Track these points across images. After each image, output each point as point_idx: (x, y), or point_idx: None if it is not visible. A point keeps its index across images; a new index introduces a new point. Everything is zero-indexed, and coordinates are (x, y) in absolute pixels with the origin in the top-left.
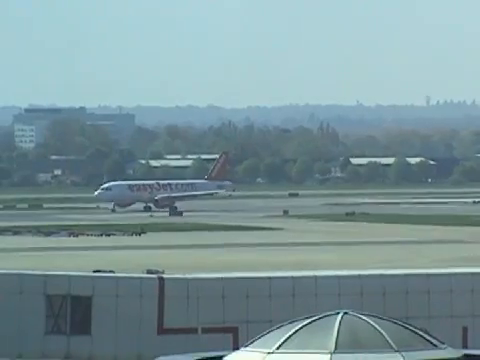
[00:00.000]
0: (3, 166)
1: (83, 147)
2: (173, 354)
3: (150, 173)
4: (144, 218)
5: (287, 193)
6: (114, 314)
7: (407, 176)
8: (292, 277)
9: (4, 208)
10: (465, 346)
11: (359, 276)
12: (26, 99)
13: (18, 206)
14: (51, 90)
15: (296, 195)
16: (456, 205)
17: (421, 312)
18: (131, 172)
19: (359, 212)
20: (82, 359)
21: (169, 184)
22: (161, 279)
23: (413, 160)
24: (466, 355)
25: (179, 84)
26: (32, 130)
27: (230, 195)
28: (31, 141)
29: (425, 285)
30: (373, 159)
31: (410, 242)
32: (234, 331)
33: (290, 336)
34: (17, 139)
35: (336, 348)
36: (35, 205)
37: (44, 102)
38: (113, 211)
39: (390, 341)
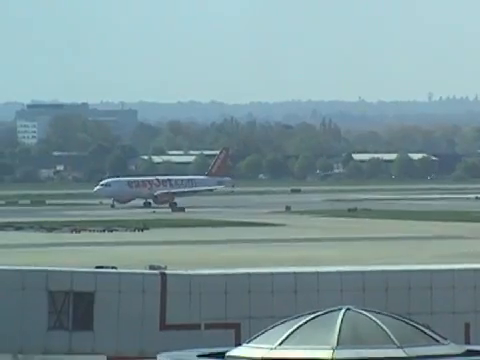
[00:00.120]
0: (5, 162)
1: (85, 143)
2: (175, 350)
3: (152, 169)
4: (147, 214)
5: (289, 189)
6: (116, 310)
7: (409, 172)
8: (294, 273)
9: (6, 204)
10: (467, 342)
11: (361, 272)
12: (28, 95)
13: (20, 202)
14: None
15: (298, 191)
16: (458, 201)
17: (423, 308)
18: (133, 168)
19: (361, 208)
20: (84, 355)
21: (169, 180)
22: (163, 275)
23: (415, 156)
24: (468, 351)
25: (181, 80)
26: (34, 126)
27: (232, 191)
28: (33, 137)
29: (427, 281)
30: (375, 155)
31: (412, 238)
32: (236, 327)
33: (292, 332)
34: (19, 135)
35: (338, 344)
36: (37, 201)
37: (46, 98)
38: (112, 207)
39: (392, 337)
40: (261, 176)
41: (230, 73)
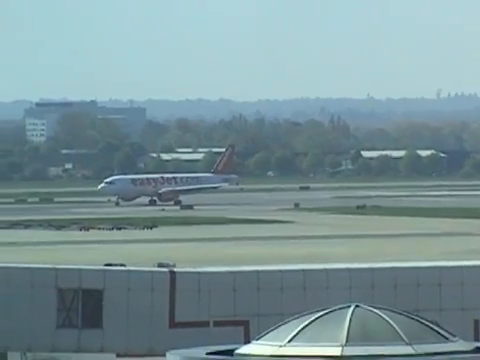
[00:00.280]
0: (14, 160)
1: (94, 141)
2: (184, 348)
3: (161, 167)
4: (155, 212)
5: (298, 186)
6: (125, 308)
7: (418, 169)
8: (303, 270)
9: (15, 202)
10: (477, 339)
11: (370, 269)
12: (37, 93)
13: (29, 200)
14: (62, 84)
15: (307, 188)
16: (466, 198)
17: (432, 305)
18: (142, 166)
19: (370, 205)
20: (93, 352)
21: (174, 178)
22: (172, 273)
23: (424, 153)
24: (477, 348)
25: (190, 78)
26: (43, 124)
27: (241, 189)
28: (42, 135)
29: (436, 278)
30: (384, 152)
31: (420, 235)
32: (245, 324)
33: (302, 329)
34: (28, 133)
35: (347, 341)
36: (46, 199)
37: (55, 96)
38: (117, 204)
39: (401, 334)
40: (270, 173)
41: (238, 71)
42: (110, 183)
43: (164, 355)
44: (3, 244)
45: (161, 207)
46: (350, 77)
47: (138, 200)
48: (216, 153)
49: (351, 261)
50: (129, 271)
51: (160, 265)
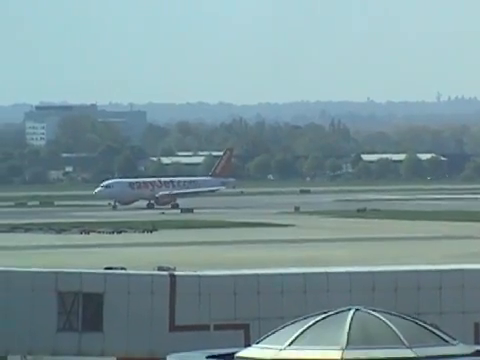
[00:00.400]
0: (14, 163)
1: (94, 144)
2: (185, 351)
3: (161, 170)
4: (155, 215)
5: (298, 190)
6: (126, 311)
7: (418, 172)
8: (303, 273)
9: (16, 205)
10: (477, 342)
11: (370, 272)
12: (37, 96)
13: (29, 203)
14: (62, 87)
15: (307, 192)
16: (467, 201)
17: (433, 308)
18: (143, 169)
19: (370, 208)
20: (94, 356)
21: (171, 181)
22: (172, 276)
23: (424, 156)
24: (478, 351)
25: (190, 81)
26: (43, 127)
27: (242, 192)
28: (42, 138)
29: (437, 281)
30: (384, 155)
31: (421, 238)
32: (246, 328)
33: (302, 332)
34: (28, 137)
35: (348, 344)
36: (46, 202)
37: (55, 99)
38: (114, 208)
39: (402, 337)
40: (270, 177)
41: (239, 74)
42: (107, 187)
43: (164, 358)
44: (3, 248)
45: (161, 211)
46: (350, 80)
47: (136, 204)
48: (216, 156)
49: (351, 264)
50: (129, 275)
51: (160, 269)
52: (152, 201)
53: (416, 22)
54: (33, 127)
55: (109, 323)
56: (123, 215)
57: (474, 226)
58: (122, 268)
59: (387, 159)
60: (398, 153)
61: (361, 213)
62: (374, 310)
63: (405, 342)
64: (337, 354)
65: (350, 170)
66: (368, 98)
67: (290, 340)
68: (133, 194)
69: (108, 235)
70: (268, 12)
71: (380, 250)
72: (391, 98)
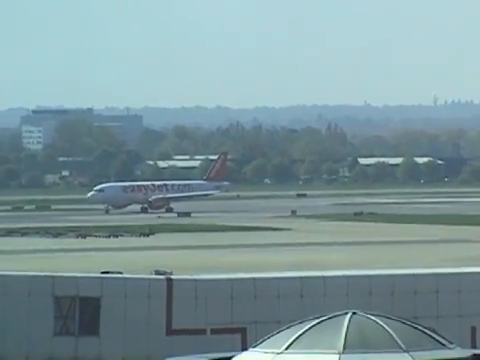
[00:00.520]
0: (11, 167)
1: (91, 148)
2: (182, 355)
3: (158, 174)
4: (152, 219)
5: (295, 193)
6: (122, 315)
7: (415, 176)
8: (300, 277)
9: (12, 209)
10: (474, 346)
11: (367, 276)
12: (33, 100)
13: (26, 207)
14: (58, 91)
15: (304, 195)
16: (464, 205)
17: (430, 312)
18: (139, 173)
19: (367, 212)
20: None
21: (165, 185)
22: (169, 280)
23: (421, 160)
24: (475, 355)
25: (186, 85)
26: (40, 131)
27: (238, 196)
28: (39, 142)
29: (433, 285)
30: (381, 159)
31: (418, 242)
32: (242, 332)
33: (299, 336)
34: (25, 141)
35: (345, 348)
36: (43, 206)
37: (51, 103)
38: (107, 212)
39: (399, 341)
40: (266, 180)
41: (235, 78)
42: (99, 191)
43: None
44: (0, 252)
45: (157, 214)
46: (347, 84)
47: (129, 208)
48: (213, 160)
49: (348, 268)
50: (126, 278)
51: (157, 272)
52: (146, 205)
53: (413, 26)
54: (29, 131)
55: (106, 327)
56: (119, 219)
57: (471, 230)
58: (119, 272)
59: (384, 163)
60: (395, 157)
61: (358, 217)
62: (371, 314)
63: (402, 346)
64: (334, 358)
65: (347, 174)
66: (365, 102)
67: (287, 344)
68: (126, 198)
69: (104, 239)
70: (264, 16)
71: (377, 254)
72: (388, 102)
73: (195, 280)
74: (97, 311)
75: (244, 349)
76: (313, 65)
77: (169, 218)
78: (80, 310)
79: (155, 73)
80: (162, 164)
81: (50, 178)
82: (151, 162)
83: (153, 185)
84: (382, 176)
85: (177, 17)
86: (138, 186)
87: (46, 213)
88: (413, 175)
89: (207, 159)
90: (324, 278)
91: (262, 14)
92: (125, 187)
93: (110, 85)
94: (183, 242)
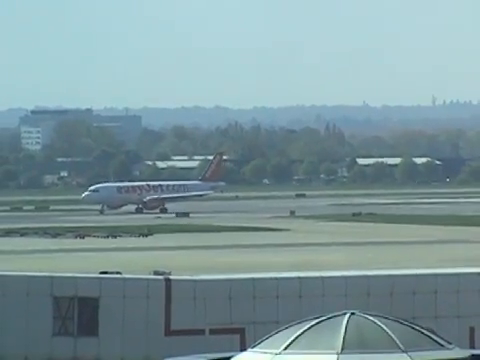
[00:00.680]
0: (9, 168)
1: (89, 149)
2: (180, 355)
3: (157, 174)
4: (151, 220)
5: (294, 194)
6: (121, 315)
7: (413, 176)
8: (299, 278)
9: (11, 210)
10: (472, 346)
11: (366, 276)
12: (32, 101)
13: (25, 208)
14: (57, 92)
15: (303, 196)
16: (462, 205)
17: (428, 312)
18: (137, 173)
19: (366, 212)
20: None
21: (160, 185)
22: (168, 280)
23: (419, 160)
24: (473, 355)
25: (185, 85)
26: (38, 132)
27: (237, 196)
28: (37, 143)
29: (432, 285)
30: (379, 159)
31: (416, 242)
32: (241, 332)
33: (297, 337)
34: (23, 141)
35: (343, 348)
36: (41, 207)
37: (50, 104)
38: (101, 213)
39: (397, 341)
40: (265, 181)
41: (234, 78)
42: (94, 191)
43: None
44: None
45: (155, 215)
46: (345, 84)
47: (125, 208)
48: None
49: (347, 268)
50: (125, 279)
51: (156, 273)
52: (140, 205)
53: (411, 26)
54: (28, 131)
55: (104, 327)
56: (118, 219)
57: (470, 230)
58: (117, 272)
59: (382, 163)
60: (393, 157)
61: (356, 217)
62: (370, 314)
63: (401, 346)
64: (333, 358)
65: (345, 174)
66: (363, 102)
67: (285, 344)
68: (121, 198)
69: (103, 239)
70: (263, 16)
71: (376, 254)
72: (386, 102)
73: (194, 280)
74: (96, 311)
75: (243, 349)
76: (312, 65)
77: (168, 218)
78: (79, 310)
79: (154, 73)
80: (161, 164)
81: (49, 178)
82: (150, 162)
83: (148, 185)
84: (381, 176)
85: (175, 18)
86: (133, 187)
87: (45, 213)
88: (412, 175)
89: (206, 159)
90: (323, 278)
91: (261, 14)
92: (120, 188)
93: (109, 85)
94: (182, 242)
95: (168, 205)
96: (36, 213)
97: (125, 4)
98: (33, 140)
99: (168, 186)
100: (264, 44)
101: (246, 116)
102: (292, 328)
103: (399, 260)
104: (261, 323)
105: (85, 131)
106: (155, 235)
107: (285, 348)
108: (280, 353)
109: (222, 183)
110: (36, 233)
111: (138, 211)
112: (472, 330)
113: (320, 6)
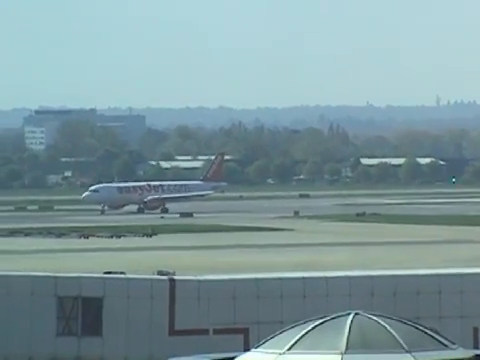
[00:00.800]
0: (14, 168)
1: (93, 149)
2: (184, 355)
3: (160, 174)
4: (155, 220)
5: (298, 194)
6: (125, 315)
7: (417, 176)
8: (303, 278)
9: (15, 210)
10: (476, 346)
11: (370, 277)
12: (36, 101)
13: (29, 208)
14: (61, 92)
15: (307, 196)
16: (466, 205)
17: (432, 312)
18: (141, 173)
19: (369, 213)
20: None
21: (161, 186)
22: (172, 280)
23: (423, 160)
24: (477, 355)
25: (189, 85)
26: (42, 132)
27: (241, 196)
28: (41, 143)
29: (436, 285)
30: (383, 160)
31: (420, 242)
32: (245, 332)
33: (301, 337)
34: (27, 141)
35: (347, 348)
36: (46, 207)
37: (54, 104)
38: (102, 213)
39: (401, 341)
40: (269, 181)
41: (238, 78)
42: (94, 191)
43: None
44: (3, 252)
45: (158, 215)
46: (349, 85)
47: (126, 208)
48: None
49: (351, 269)
50: (129, 279)
51: (160, 273)
52: (141, 205)
53: (415, 26)
54: (32, 131)
55: (108, 327)
56: (122, 219)
57: (474, 230)
58: (121, 272)
59: (386, 163)
60: (397, 157)
61: (360, 217)
62: (373, 314)
63: (405, 346)
64: (336, 358)
65: (349, 174)
66: (367, 102)
67: (289, 344)
68: (121, 198)
69: (107, 239)
70: (267, 16)
71: (379, 254)
72: (390, 102)
73: (198, 280)
74: (100, 311)
75: (247, 349)
76: (315, 66)
77: (171, 218)
78: (83, 310)
79: (158, 74)
80: (165, 164)
81: (53, 178)
82: (153, 162)
83: (148, 185)
84: (384, 176)
85: (180, 17)
86: (133, 187)
87: (49, 213)
88: (415, 176)
89: (209, 159)
90: (326, 279)
91: (265, 14)
92: (120, 188)
93: (113, 85)
94: (186, 242)
95: (170, 205)
96: (40, 213)
97: (129, 4)
98: (37, 140)
99: (169, 186)
100: (268, 45)
101: (250, 116)
102: (296, 328)
103: (403, 260)
104: (265, 323)
105: (89, 131)
106: (159, 235)
107: (289, 348)
108: (284, 353)
109: (223, 183)
110: (40, 233)
111: (139, 211)
112: (476, 330)
113: (324, 6)
